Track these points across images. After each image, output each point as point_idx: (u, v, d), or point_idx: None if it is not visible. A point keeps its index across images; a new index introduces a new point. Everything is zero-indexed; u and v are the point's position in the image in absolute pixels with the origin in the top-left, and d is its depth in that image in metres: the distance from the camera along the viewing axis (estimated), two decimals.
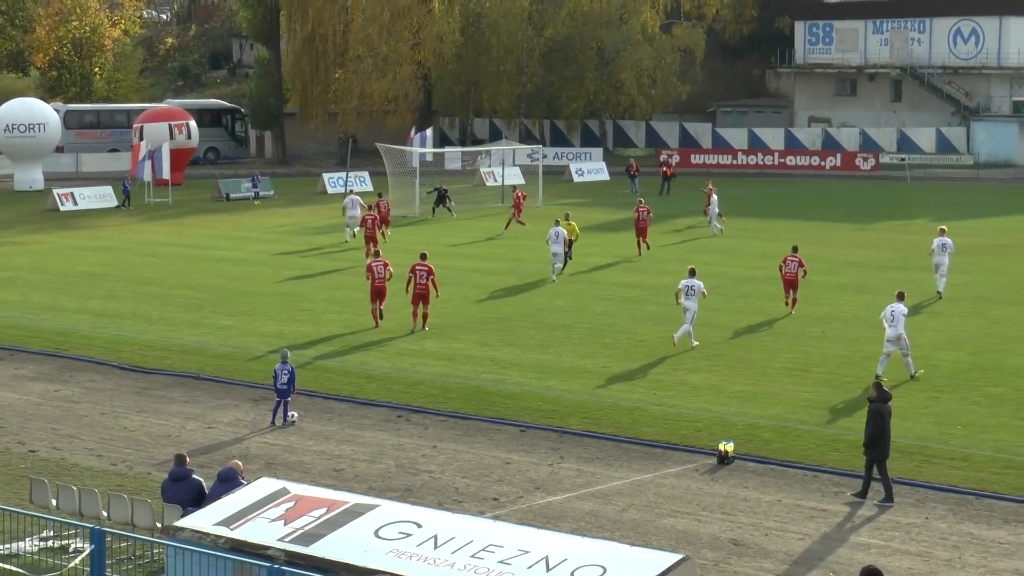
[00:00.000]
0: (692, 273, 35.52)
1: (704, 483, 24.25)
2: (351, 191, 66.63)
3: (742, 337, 36.21)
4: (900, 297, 32.56)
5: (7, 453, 25.98)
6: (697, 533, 21.63)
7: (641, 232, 52.23)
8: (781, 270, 40.03)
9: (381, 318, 37.61)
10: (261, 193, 76.60)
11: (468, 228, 57.87)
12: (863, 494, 23.24)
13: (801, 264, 39.63)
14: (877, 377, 28.76)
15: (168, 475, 20.31)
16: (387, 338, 36.19)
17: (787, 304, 39.77)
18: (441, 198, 66.10)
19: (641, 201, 54.76)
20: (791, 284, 39.63)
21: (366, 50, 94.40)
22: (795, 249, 40.63)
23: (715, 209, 57.92)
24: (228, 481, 19.64)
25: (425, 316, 37.41)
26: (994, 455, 25.57)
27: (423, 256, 38.38)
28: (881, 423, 23.15)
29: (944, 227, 44.14)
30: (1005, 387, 30.80)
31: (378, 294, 37.59)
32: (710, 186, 60.12)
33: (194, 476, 20.00)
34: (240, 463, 20.36)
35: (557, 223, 46.95)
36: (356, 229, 54.96)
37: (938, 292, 42.41)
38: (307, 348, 34.91)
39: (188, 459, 20.55)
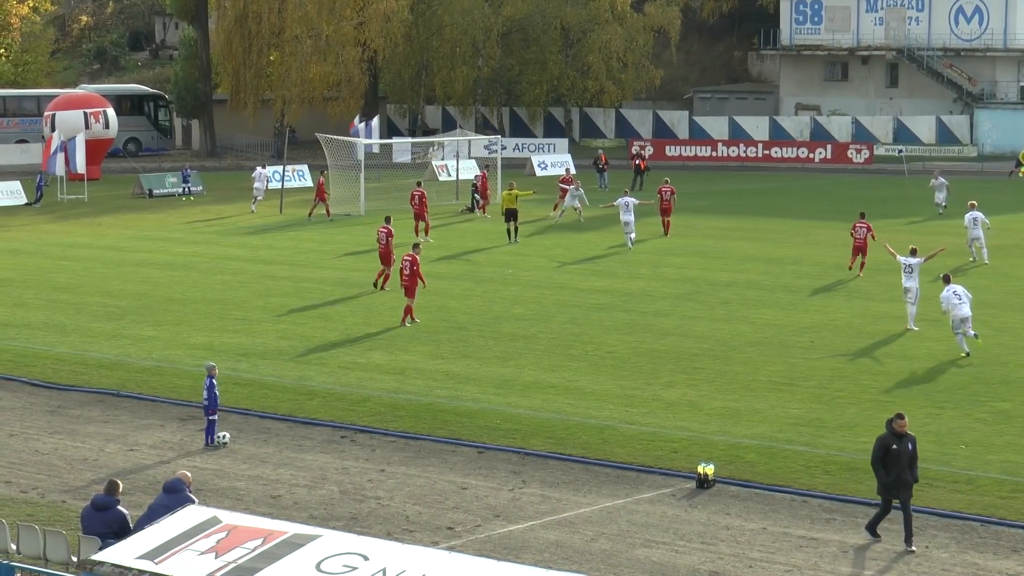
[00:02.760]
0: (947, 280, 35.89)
1: (682, 509, 24.33)
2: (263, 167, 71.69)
3: (723, 348, 36.35)
4: (947, 279, 35.47)
5: None
6: (674, 565, 21.70)
7: (665, 212, 57.65)
8: (852, 235, 46.74)
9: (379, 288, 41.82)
10: (192, 189, 76.33)
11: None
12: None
13: (869, 229, 46.36)
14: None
15: (90, 502, 20.19)
16: (329, 351, 36.18)
17: (851, 268, 46.69)
18: (475, 190, 67.05)
19: (667, 180, 59.95)
20: (860, 250, 46.36)
21: (305, 30, 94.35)
22: (863, 215, 47.72)
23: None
24: (175, 492, 19.61)
25: (407, 310, 39.17)
26: (1001, 478, 25.75)
27: (415, 247, 40.52)
28: (880, 455, 22.40)
29: (974, 201, 50.07)
30: (1012, 402, 31.00)
31: (383, 273, 42.17)
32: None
33: (119, 508, 19.90)
34: (188, 474, 20.36)
35: (625, 193, 55.28)
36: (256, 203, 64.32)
37: (984, 262, 48.97)
38: (240, 361, 34.85)
39: (120, 488, 20.38)
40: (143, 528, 18.77)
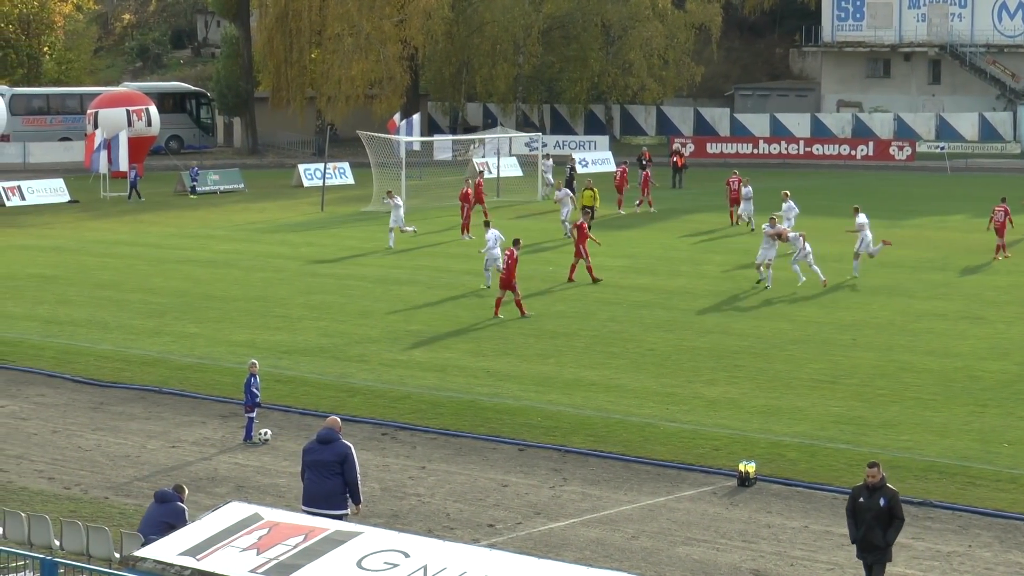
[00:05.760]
0: None
1: (723, 507, 24.28)
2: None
3: (764, 346, 36.25)
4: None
5: None
6: (715, 563, 21.65)
7: (735, 202, 59.69)
8: (992, 219, 50.38)
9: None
10: (199, 188, 76.19)
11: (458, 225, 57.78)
12: None
13: (1007, 213, 50.07)
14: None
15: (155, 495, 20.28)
16: (370, 348, 36.23)
17: (997, 258, 49.50)
18: (571, 180, 66.91)
19: (736, 172, 62.78)
20: (999, 233, 49.79)
21: (346, 28, 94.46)
22: (1003, 199, 51.31)
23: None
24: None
25: (498, 302, 39.82)
26: None
27: (515, 242, 40.85)
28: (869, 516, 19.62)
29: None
30: None
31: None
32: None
33: (180, 503, 19.94)
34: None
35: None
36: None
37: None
38: (281, 358, 34.93)
39: (186, 492, 20.43)
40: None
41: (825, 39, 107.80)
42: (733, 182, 60.88)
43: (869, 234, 46.49)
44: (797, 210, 53.77)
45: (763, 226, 45.63)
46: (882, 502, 19.30)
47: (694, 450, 27.34)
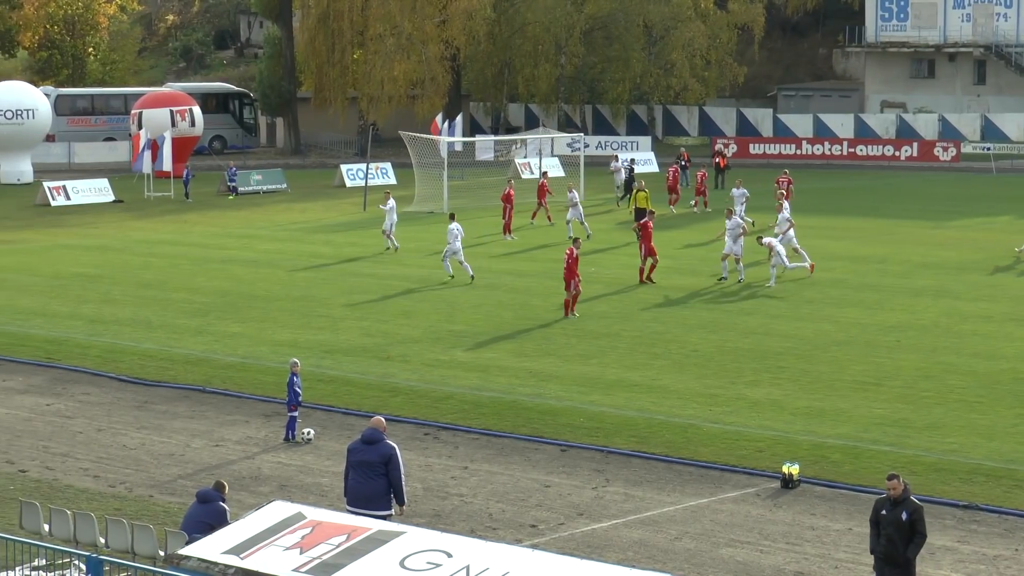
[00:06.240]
0: None
1: (766, 509, 24.22)
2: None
3: (807, 347, 36.12)
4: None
5: None
6: (758, 565, 21.60)
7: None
8: None
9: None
10: (241, 189, 76.36)
11: (499, 225, 57.78)
12: None
13: None
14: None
15: (196, 495, 20.36)
16: (412, 348, 36.27)
17: None
18: (630, 181, 67.26)
19: (786, 171, 63.63)
20: None
21: (387, 28, 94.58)
22: None
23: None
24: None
25: (566, 302, 40.05)
26: None
27: (575, 241, 41.48)
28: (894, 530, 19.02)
29: None
30: None
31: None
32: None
33: (221, 503, 20.02)
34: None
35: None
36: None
37: None
38: (324, 358, 35.00)
39: (226, 488, 20.53)
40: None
41: (869, 39, 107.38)
42: (782, 181, 60.94)
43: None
44: (748, 194, 57.22)
45: (727, 221, 46.36)
46: (904, 516, 18.77)
47: (737, 451, 27.28)
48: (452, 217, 48.29)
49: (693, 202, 66.01)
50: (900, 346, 36.21)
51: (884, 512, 18.93)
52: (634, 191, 58.62)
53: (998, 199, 71.70)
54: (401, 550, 16.44)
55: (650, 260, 45.35)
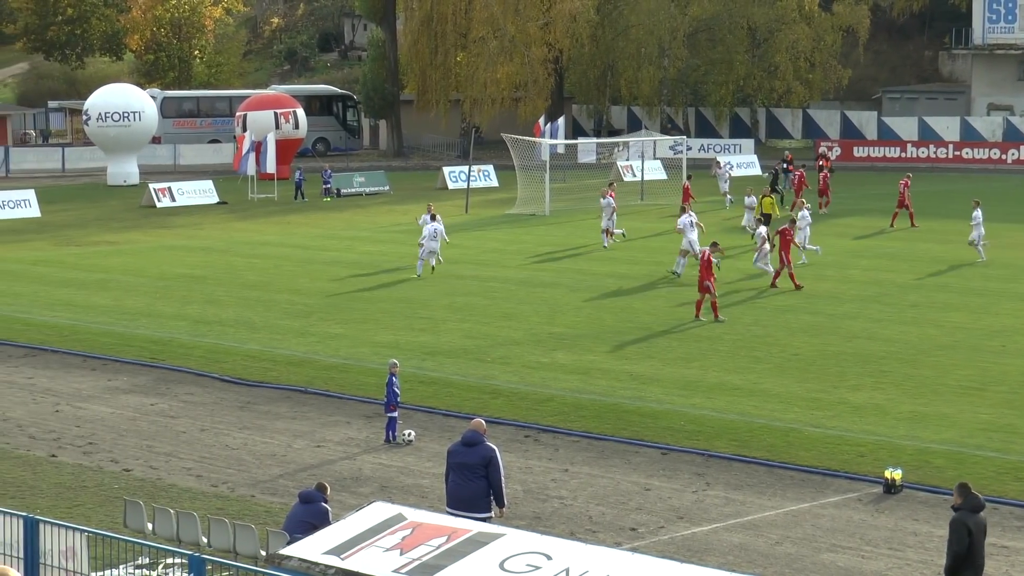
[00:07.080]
0: None
1: (868, 514, 24.02)
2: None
3: (911, 351, 35.79)
4: None
5: (100, 472, 26.46)
6: (861, 571, 21.42)
7: (901, 205, 60.35)
8: None
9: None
10: (333, 189, 76.60)
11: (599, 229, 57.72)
12: None
13: None
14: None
15: (298, 496, 20.51)
16: (513, 350, 36.31)
17: None
18: (776, 177, 67.19)
19: (908, 175, 63.05)
20: None
21: (491, 31, 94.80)
22: None
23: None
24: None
25: (698, 305, 39.84)
26: None
27: (713, 245, 41.08)
28: (968, 541, 18.62)
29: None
30: None
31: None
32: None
33: (323, 504, 20.15)
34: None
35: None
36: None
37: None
38: (425, 360, 35.12)
39: (328, 490, 20.66)
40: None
41: (976, 41, 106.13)
42: (902, 185, 60.72)
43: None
44: (810, 219, 51.69)
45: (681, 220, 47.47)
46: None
47: (839, 456, 27.08)
48: (434, 217, 48.47)
49: (819, 205, 65.45)
50: (1006, 351, 35.80)
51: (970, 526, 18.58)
52: (761, 196, 57.79)
53: None
54: (501, 552, 16.46)
55: (784, 269, 44.89)
